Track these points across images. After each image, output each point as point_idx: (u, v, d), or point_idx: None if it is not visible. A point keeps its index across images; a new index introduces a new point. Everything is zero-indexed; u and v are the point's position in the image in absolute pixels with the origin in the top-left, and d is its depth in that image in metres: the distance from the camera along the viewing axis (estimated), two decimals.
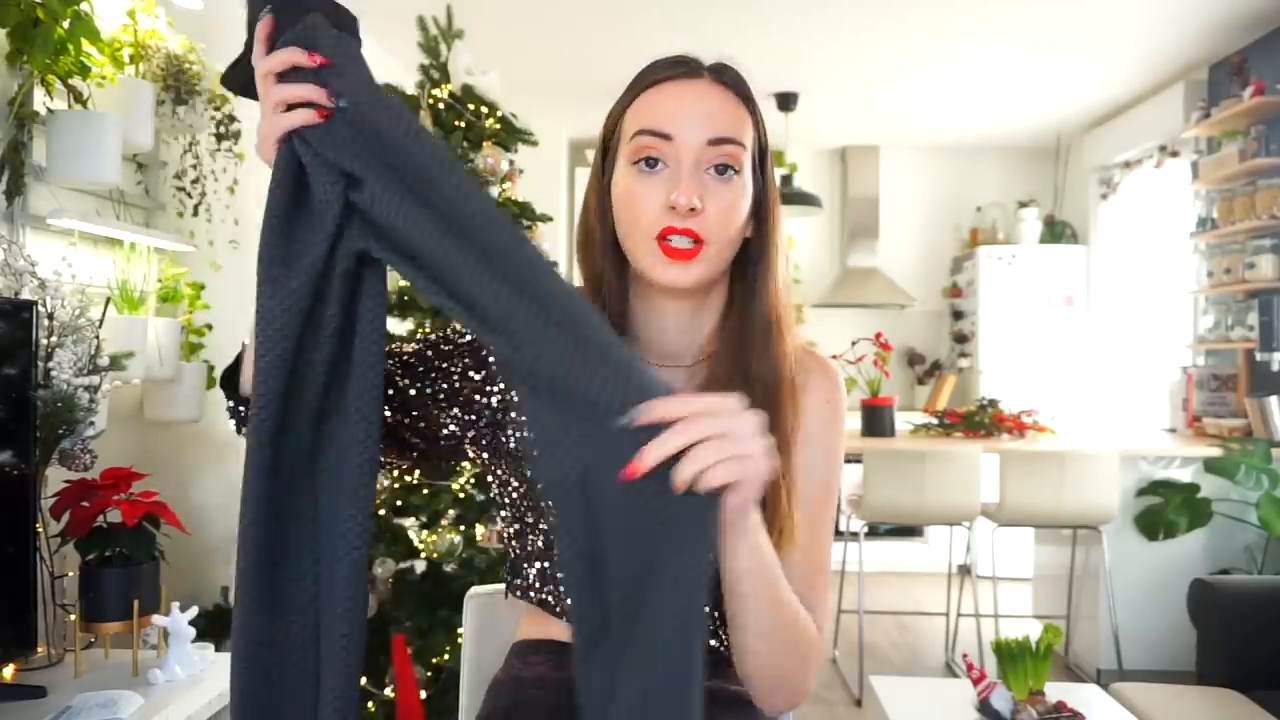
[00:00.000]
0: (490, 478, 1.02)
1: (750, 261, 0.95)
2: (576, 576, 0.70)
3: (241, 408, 0.86)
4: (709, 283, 0.93)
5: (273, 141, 0.75)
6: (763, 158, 0.95)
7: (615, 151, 0.94)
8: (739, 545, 0.76)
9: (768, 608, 0.82)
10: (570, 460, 0.69)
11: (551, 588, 0.97)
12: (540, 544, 0.98)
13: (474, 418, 0.97)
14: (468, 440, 0.98)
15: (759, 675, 0.88)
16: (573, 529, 0.70)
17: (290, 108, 0.74)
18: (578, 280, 1.00)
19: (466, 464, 2.27)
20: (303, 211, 0.75)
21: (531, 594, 0.99)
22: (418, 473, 2.32)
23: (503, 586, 1.18)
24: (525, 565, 0.99)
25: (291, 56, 0.73)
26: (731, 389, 0.85)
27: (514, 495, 0.99)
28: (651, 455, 0.66)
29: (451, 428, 0.98)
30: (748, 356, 0.93)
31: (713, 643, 0.97)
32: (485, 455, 0.99)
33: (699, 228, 0.88)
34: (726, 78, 0.93)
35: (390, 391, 0.96)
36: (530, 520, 0.98)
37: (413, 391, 0.97)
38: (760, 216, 0.95)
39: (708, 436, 0.66)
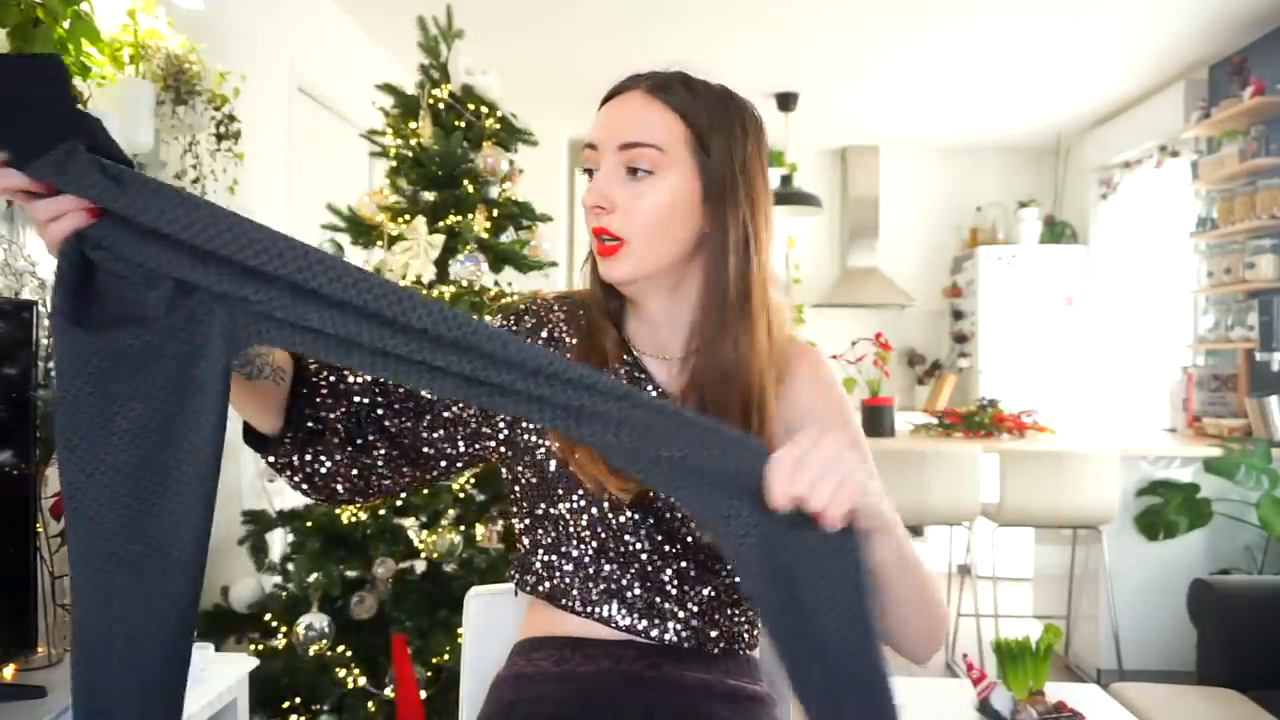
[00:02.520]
0: (507, 473, 1.05)
1: (711, 251, 0.98)
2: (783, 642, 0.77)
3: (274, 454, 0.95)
4: (653, 275, 0.96)
5: (56, 247, 0.74)
6: (704, 147, 0.96)
7: None
8: (872, 543, 0.81)
9: (905, 580, 0.87)
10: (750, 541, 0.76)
11: (559, 578, 0.99)
12: (550, 537, 1.00)
13: (493, 415, 1.01)
14: (488, 441, 1.02)
15: (902, 634, 0.92)
16: (767, 597, 0.77)
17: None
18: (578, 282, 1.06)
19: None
20: (93, 303, 0.74)
21: (541, 587, 1.01)
22: None
23: (503, 586, 1.19)
24: (532, 557, 1.02)
25: (17, 183, 0.72)
26: (709, 380, 0.95)
27: (528, 488, 1.01)
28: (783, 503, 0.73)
29: (474, 425, 1.01)
30: (721, 346, 0.96)
31: (713, 633, 0.99)
32: (504, 449, 1.02)
33: (610, 225, 0.94)
34: (656, 84, 0.97)
35: (410, 404, 1.00)
36: (540, 511, 1.00)
37: (435, 402, 1.00)
38: (717, 206, 0.96)
39: (817, 479, 0.72)
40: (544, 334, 1.04)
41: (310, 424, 0.95)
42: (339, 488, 0.99)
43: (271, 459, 0.95)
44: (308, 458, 0.95)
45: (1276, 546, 3.29)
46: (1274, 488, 3.22)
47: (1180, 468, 3.47)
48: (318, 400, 0.95)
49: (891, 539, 0.83)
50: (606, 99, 0.99)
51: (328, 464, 0.96)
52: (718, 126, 0.97)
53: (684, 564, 0.97)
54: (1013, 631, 2.13)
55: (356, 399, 0.98)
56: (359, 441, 0.98)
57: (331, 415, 0.96)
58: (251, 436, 0.95)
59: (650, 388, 1.00)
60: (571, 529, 0.98)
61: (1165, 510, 3.37)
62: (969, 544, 3.71)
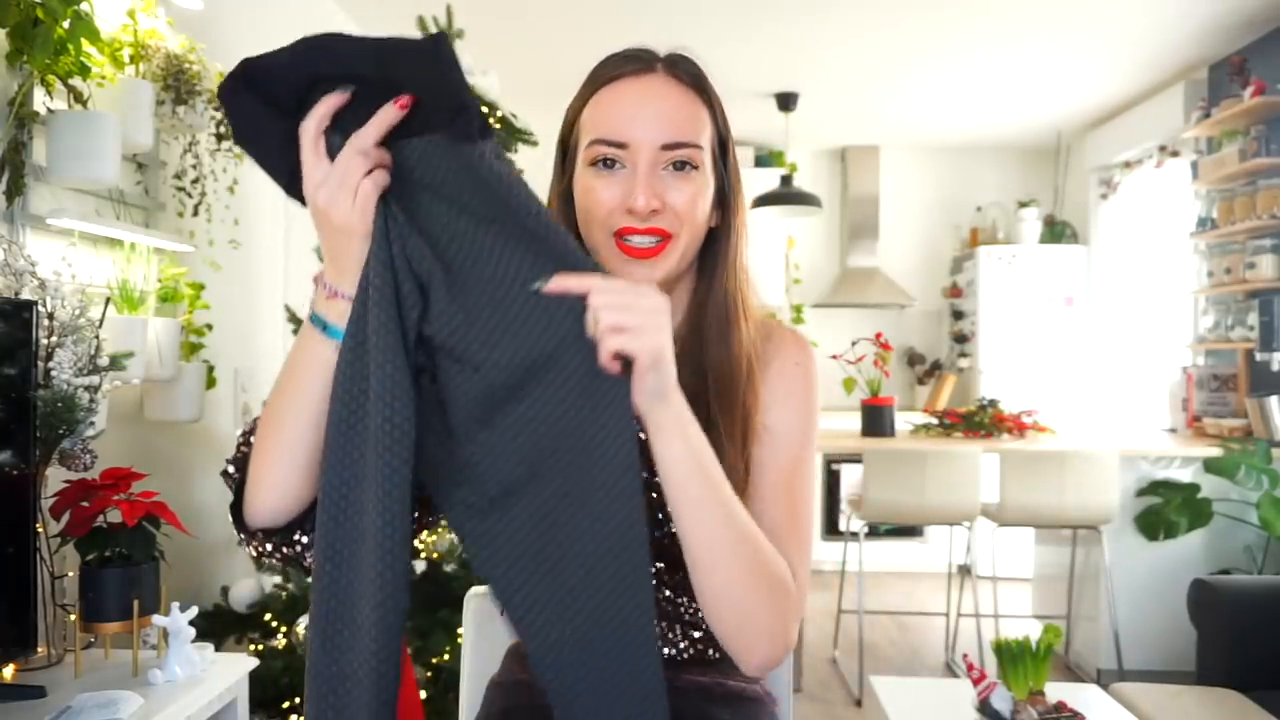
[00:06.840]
0: None
1: (715, 250, 0.97)
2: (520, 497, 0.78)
3: (260, 543, 0.89)
4: (676, 275, 0.94)
5: (371, 208, 0.77)
6: (723, 147, 0.95)
7: (574, 154, 0.95)
8: (661, 427, 0.78)
9: (713, 514, 0.79)
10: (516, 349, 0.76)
11: None
12: None
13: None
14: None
15: (724, 614, 0.82)
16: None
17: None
18: None
19: None
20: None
21: None
22: None
23: None
24: None
25: (384, 119, 0.77)
26: (695, 378, 0.90)
27: None
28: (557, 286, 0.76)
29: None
30: (710, 343, 0.94)
31: (711, 648, 0.97)
32: None
33: (663, 224, 0.89)
34: (681, 71, 0.93)
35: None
36: None
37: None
38: (724, 205, 0.96)
39: (607, 305, 0.74)
40: None
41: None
42: (268, 547, 0.93)
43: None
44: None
45: (1276, 546, 3.28)
46: (1274, 488, 3.22)
47: (1180, 468, 3.47)
48: None
49: (689, 442, 0.79)
50: (615, 76, 0.92)
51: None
52: (727, 119, 0.96)
53: (681, 575, 0.95)
54: (1013, 631, 2.13)
55: None
56: None
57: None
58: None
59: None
60: None
61: (1165, 510, 3.37)
62: (969, 544, 3.71)
